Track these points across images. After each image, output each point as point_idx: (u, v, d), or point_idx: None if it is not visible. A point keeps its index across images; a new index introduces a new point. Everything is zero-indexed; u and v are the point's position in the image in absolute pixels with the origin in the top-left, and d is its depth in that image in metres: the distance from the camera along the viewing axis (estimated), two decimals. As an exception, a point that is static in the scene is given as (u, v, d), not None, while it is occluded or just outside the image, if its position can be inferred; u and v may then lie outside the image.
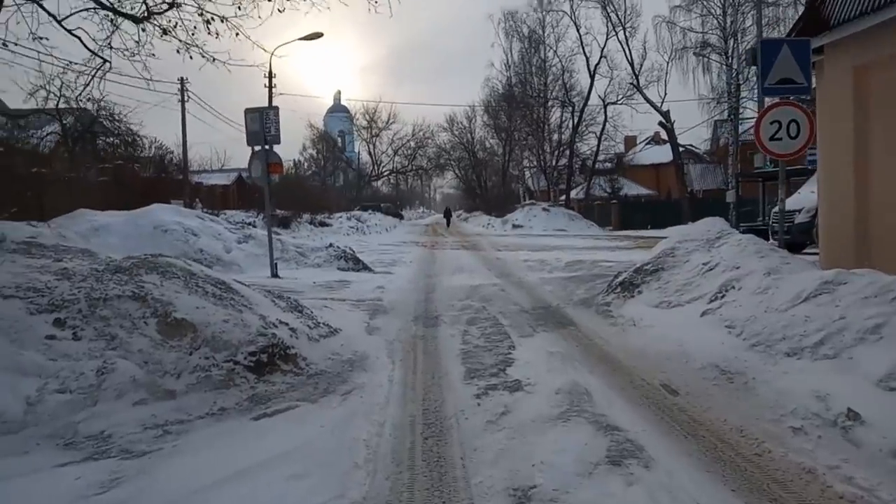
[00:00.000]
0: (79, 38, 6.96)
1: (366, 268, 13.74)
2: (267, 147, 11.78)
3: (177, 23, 8.55)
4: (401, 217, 60.86)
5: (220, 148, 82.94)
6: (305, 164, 60.42)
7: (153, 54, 7.91)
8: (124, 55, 8.11)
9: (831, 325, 4.34)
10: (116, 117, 30.00)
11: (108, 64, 7.31)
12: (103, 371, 3.93)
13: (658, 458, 3.25)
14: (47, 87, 28.33)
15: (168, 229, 12.88)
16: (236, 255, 13.24)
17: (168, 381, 4.00)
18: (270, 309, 5.46)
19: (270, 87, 29.58)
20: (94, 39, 7.92)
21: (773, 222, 16.65)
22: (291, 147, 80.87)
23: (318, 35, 28.20)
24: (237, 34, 8.79)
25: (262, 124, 11.67)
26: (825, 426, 3.35)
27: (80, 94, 7.44)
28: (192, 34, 8.67)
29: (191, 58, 8.87)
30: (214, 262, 12.64)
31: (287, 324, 5.22)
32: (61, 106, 29.38)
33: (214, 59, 9.08)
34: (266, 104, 29.68)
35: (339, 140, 70.26)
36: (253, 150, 11.95)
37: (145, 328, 4.22)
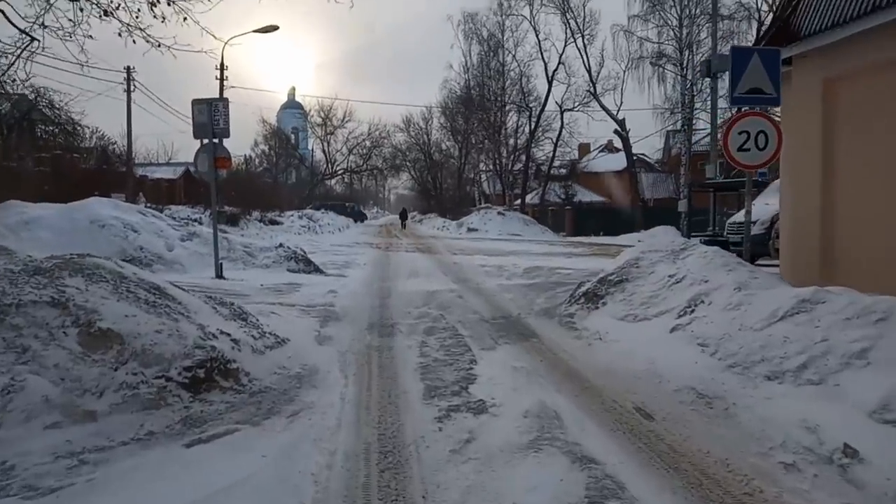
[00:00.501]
0: (2, 13, 6.29)
1: (317, 270, 13.21)
2: (215, 140, 11.16)
3: (119, 4, 7.95)
4: (364, 218, 60.35)
5: (168, 140, 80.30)
6: (257, 161, 58.98)
7: (90, 35, 7.29)
8: (57, 35, 7.46)
9: (813, 347, 4.12)
10: (56, 105, 28.64)
11: (36, 43, 6.65)
12: (10, 389, 3.39)
13: (642, 499, 2.92)
14: (-21, 69, 26.91)
15: (105, 224, 12.09)
16: (179, 253, 12.53)
17: (88, 401, 3.48)
18: (211, 317, 4.95)
19: (222, 78, 28.63)
20: (21, 16, 7.26)
21: (728, 233, 16.85)
22: (243, 142, 79.10)
23: (273, 28, 27.42)
24: (185, 19, 8.24)
25: (211, 116, 11.04)
26: (820, 463, 3.10)
27: (2, 75, 6.69)
28: (136, 16, 8.09)
29: (133, 42, 8.27)
30: (155, 260, 11.96)
31: (229, 334, 4.72)
32: (-4, 94, 28.01)
33: (160, 45, 8.51)
34: (216, 96, 28.78)
35: (293, 137, 68.95)
36: (201, 143, 11.32)
37: (64, 339, 3.68)
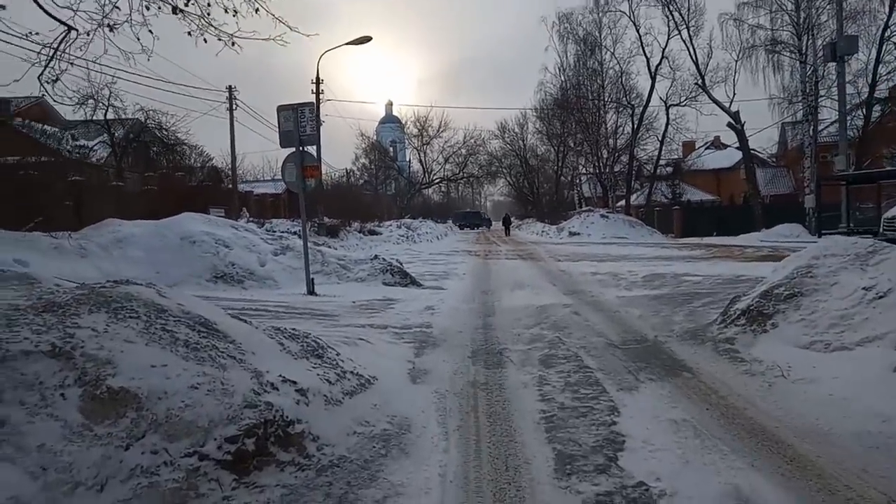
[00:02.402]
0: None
1: (414, 282, 12.16)
2: (302, 148, 10.36)
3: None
4: (489, 224, 61.12)
5: (273, 157, 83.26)
6: (357, 173, 59.86)
7: (149, 29, 6.51)
8: (123, 31, 6.78)
9: None
10: (164, 126, 29.64)
11: (74, 32, 5.93)
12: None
13: None
14: (96, 96, 28.21)
15: (196, 240, 11.59)
16: (272, 268, 11.86)
17: (81, 500, 2.44)
18: (273, 358, 3.86)
19: (318, 91, 28.55)
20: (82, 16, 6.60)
21: (885, 230, 14.37)
22: (343, 156, 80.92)
23: (366, 39, 27.09)
24: (256, 10, 7.37)
25: (297, 123, 10.24)
26: None
27: (41, 74, 6.01)
28: (207, 12, 7.31)
29: (205, 41, 7.50)
30: (247, 276, 11.33)
31: (294, 382, 3.60)
32: (110, 116, 29.34)
33: (234, 43, 7.70)
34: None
35: (391, 149, 69.58)
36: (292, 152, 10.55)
37: (61, 405, 2.67)
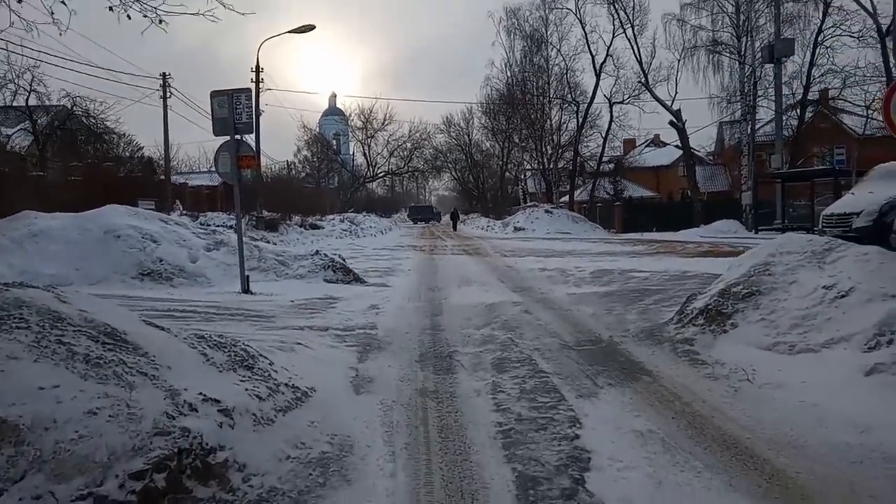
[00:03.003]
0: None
1: (357, 279, 11.67)
2: (238, 137, 9.71)
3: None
4: (439, 218, 60.72)
5: (210, 148, 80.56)
6: (300, 166, 58.47)
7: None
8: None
9: None
10: (92, 114, 28.00)
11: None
12: None
13: None
14: (16, 81, 26.38)
15: (121, 234, 10.77)
16: (204, 264, 11.15)
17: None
18: (194, 372, 3.36)
19: (258, 80, 27.50)
20: None
21: (825, 226, 14.73)
22: (285, 148, 79.17)
23: (309, 27, 26.18)
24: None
25: (232, 110, 9.60)
26: None
27: None
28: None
29: (129, 17, 6.82)
30: (176, 273, 10.61)
31: (218, 401, 3.12)
32: (33, 102, 27.50)
33: (161, 21, 7.03)
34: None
35: (335, 142, 68.33)
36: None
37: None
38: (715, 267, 12.22)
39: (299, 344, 5.55)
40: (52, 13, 6.00)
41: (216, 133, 9.70)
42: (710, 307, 5.75)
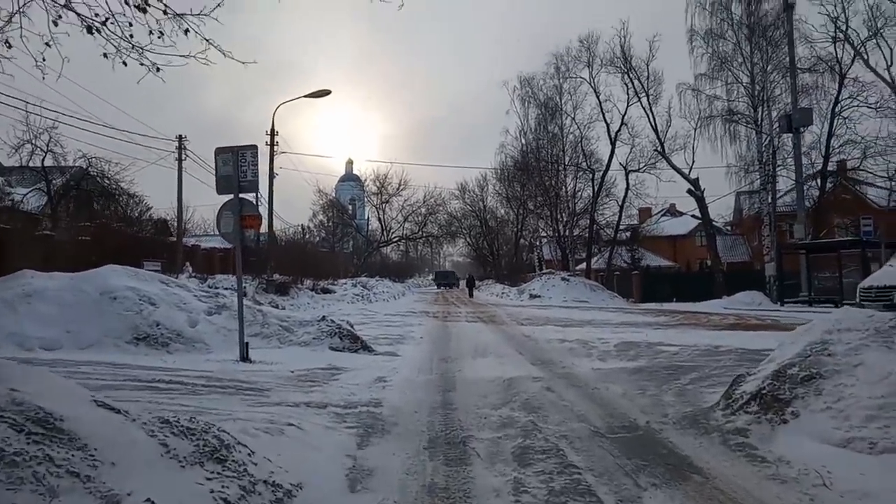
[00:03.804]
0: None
1: (365, 347, 10.96)
2: (241, 196, 9.28)
3: (107, 17, 6.17)
4: (458, 284, 59.50)
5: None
6: (314, 231, 58.60)
7: (55, 44, 5.44)
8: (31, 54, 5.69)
9: None
10: (107, 175, 28.12)
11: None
12: None
13: None
14: (33, 141, 26.66)
15: (117, 296, 10.23)
16: (203, 329, 10.52)
17: None
18: (146, 469, 2.69)
19: (272, 143, 27.60)
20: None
21: (862, 300, 13.93)
22: (299, 212, 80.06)
23: (325, 92, 26.45)
24: (187, 31, 6.39)
25: (237, 167, 9.20)
26: None
27: None
28: (129, 34, 6.28)
29: (124, 64, 6.45)
30: (173, 338, 10.01)
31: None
32: (49, 163, 27.72)
33: (158, 69, 6.66)
34: (269, 158, 27.75)
35: (350, 207, 68.81)
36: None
37: None
38: (748, 341, 11.45)
39: (291, 425, 4.84)
40: (44, 59, 5.65)
41: (219, 191, 9.28)
42: (764, 392, 4.99)
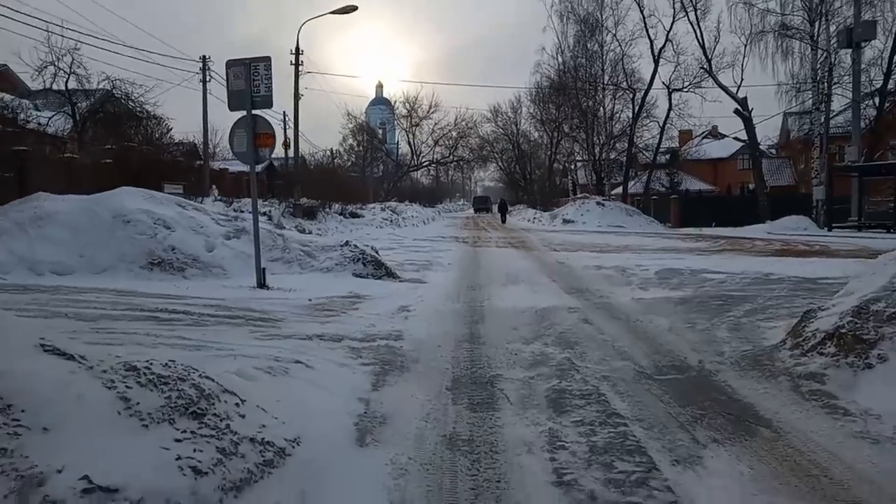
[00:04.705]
0: None
1: (389, 274, 10.45)
2: (255, 112, 8.58)
3: None
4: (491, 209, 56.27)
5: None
6: (344, 155, 57.78)
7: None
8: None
9: None
10: (131, 96, 27.54)
11: None
12: None
13: None
14: (56, 63, 26.06)
15: (131, 219, 9.79)
16: (221, 253, 10.09)
17: None
18: (92, 434, 2.15)
19: (297, 63, 26.55)
20: None
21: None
22: (328, 137, 79.14)
23: (352, 8, 25.01)
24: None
25: (250, 81, 8.46)
26: None
27: None
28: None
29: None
30: (189, 263, 9.61)
31: (113, 490, 1.89)
32: (73, 85, 27.18)
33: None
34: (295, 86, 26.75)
35: (380, 132, 67.56)
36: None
37: None
38: (800, 269, 10.61)
39: (298, 362, 4.32)
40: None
41: (231, 108, 8.58)
42: (842, 330, 4.27)
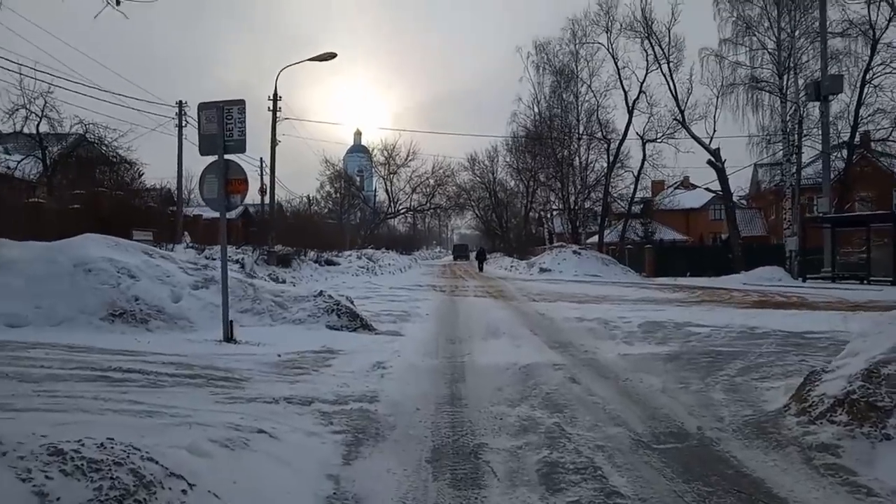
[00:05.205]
0: None
1: (365, 326, 10.02)
2: (227, 157, 8.25)
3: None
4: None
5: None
6: (321, 202, 57.58)
7: None
8: None
9: None
10: (105, 141, 27.12)
11: None
12: None
13: None
14: (28, 106, 25.64)
15: (92, 268, 9.27)
16: (188, 304, 9.58)
17: None
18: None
19: (275, 109, 26.42)
20: None
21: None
22: (305, 183, 79.34)
23: (331, 56, 25.18)
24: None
25: (223, 125, 8.16)
26: None
27: None
28: None
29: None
30: (153, 314, 9.08)
31: None
32: (45, 129, 26.71)
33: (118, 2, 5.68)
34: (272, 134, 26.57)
35: (358, 179, 67.69)
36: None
37: None
38: (785, 322, 10.39)
39: (262, 432, 3.89)
40: None
41: (202, 152, 8.27)
42: (853, 396, 3.97)
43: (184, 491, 2.57)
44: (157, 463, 2.62)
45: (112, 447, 2.56)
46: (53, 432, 2.83)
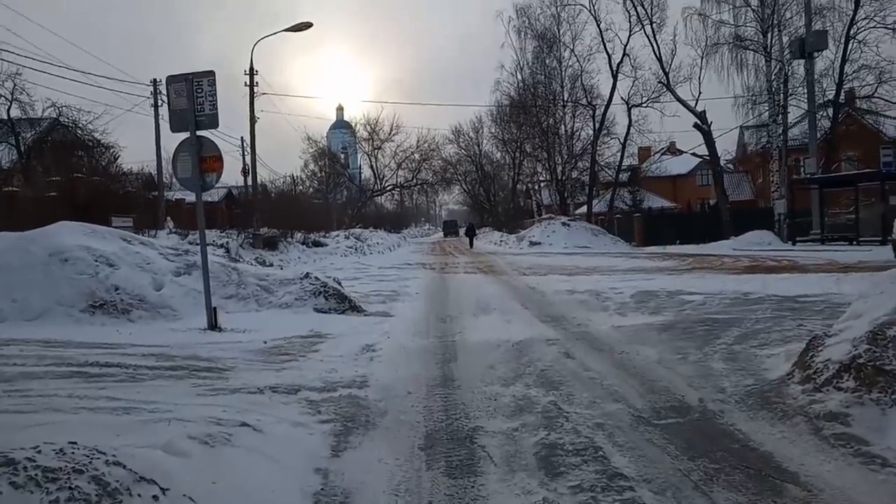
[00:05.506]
0: None
1: (353, 308, 9.81)
2: (200, 133, 7.94)
3: None
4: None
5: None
6: (306, 181, 56.75)
7: None
8: None
9: None
10: (79, 125, 26.46)
11: None
12: None
13: None
14: (-4, 90, 24.90)
15: (69, 258, 8.96)
16: (170, 292, 9.31)
17: None
18: None
19: (252, 84, 25.82)
20: None
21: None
22: (289, 161, 78.49)
23: (307, 25, 24.44)
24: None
25: (193, 99, 7.82)
26: None
27: None
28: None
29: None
30: (135, 304, 8.83)
31: None
32: (16, 114, 25.98)
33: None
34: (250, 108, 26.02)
35: (342, 156, 66.78)
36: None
37: None
38: (777, 287, 10.29)
39: (245, 425, 3.69)
40: None
41: (173, 129, 7.94)
42: (859, 360, 3.82)
43: (155, 497, 2.37)
44: (124, 467, 2.41)
45: (73, 452, 2.34)
46: (15, 437, 2.62)
